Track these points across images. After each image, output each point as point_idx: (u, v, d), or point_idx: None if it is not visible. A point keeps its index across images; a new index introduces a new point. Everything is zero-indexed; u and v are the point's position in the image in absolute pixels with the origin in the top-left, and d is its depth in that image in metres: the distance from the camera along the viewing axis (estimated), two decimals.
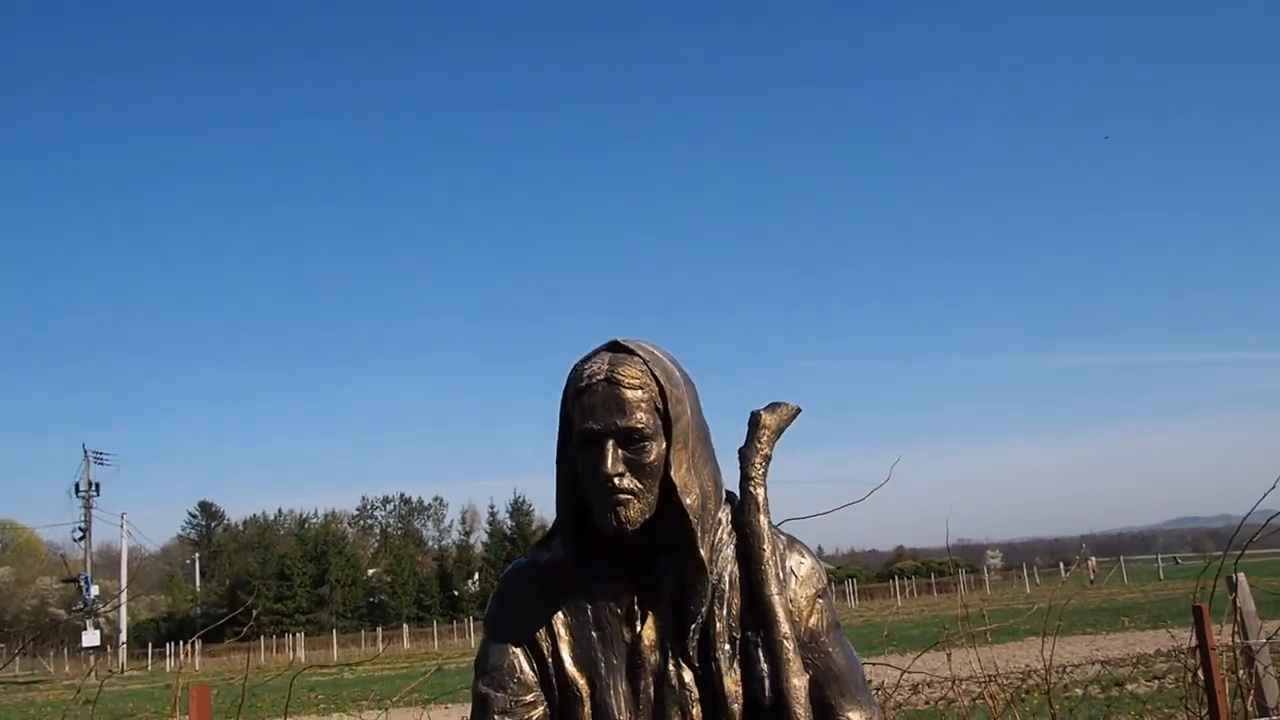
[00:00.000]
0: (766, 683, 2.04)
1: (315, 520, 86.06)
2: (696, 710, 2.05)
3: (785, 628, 2.06)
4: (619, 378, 2.02)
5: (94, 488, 63.03)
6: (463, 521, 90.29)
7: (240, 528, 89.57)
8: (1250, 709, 4.62)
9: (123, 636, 61.51)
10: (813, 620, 2.13)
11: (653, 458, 2.03)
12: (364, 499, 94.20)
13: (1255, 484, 4.75)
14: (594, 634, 2.11)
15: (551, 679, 2.11)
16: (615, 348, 2.08)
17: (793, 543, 2.19)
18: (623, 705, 2.07)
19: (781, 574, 2.12)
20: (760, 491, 2.15)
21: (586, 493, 2.06)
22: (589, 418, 2.02)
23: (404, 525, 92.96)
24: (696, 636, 2.08)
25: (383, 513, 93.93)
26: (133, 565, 66.39)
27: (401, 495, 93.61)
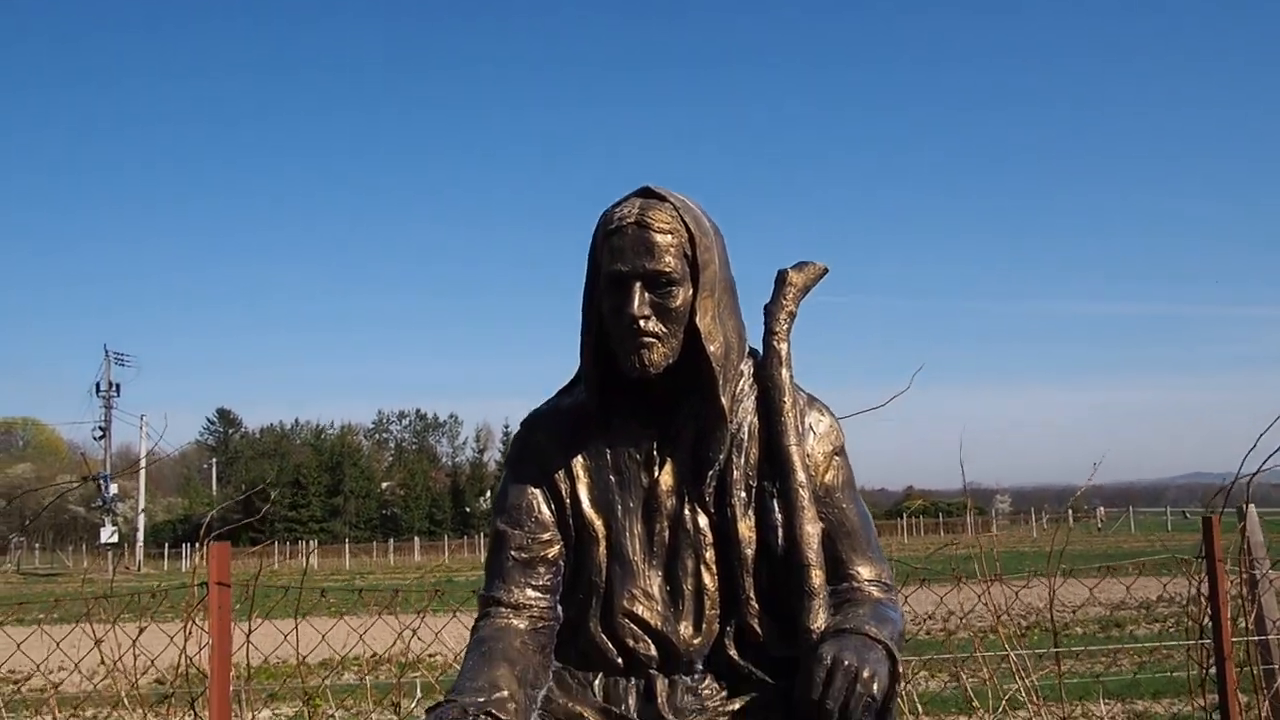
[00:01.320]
0: (780, 531, 2.09)
1: (331, 431, 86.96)
2: (710, 554, 2.10)
3: (801, 477, 2.10)
4: (649, 221, 2.03)
5: (114, 388, 63.75)
6: (477, 439, 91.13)
7: (257, 435, 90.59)
8: (1251, 627, 4.69)
9: (140, 535, 62.50)
10: (828, 476, 2.17)
11: (679, 303, 2.04)
12: (380, 413, 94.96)
13: (1268, 442, 4.74)
14: (612, 478, 2.15)
15: (569, 520, 2.15)
16: (646, 193, 2.09)
17: (813, 401, 2.22)
18: (638, 547, 2.11)
19: (800, 428, 2.15)
20: (784, 346, 2.17)
21: (611, 336, 2.07)
22: (617, 260, 2.03)
23: (419, 441, 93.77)
24: (713, 483, 2.12)
25: (398, 427, 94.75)
26: (151, 468, 67.27)
27: (417, 411, 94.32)
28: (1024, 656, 4.75)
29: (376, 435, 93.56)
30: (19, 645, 4.16)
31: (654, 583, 2.09)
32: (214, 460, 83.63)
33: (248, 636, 4.16)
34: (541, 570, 2.13)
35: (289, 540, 66.87)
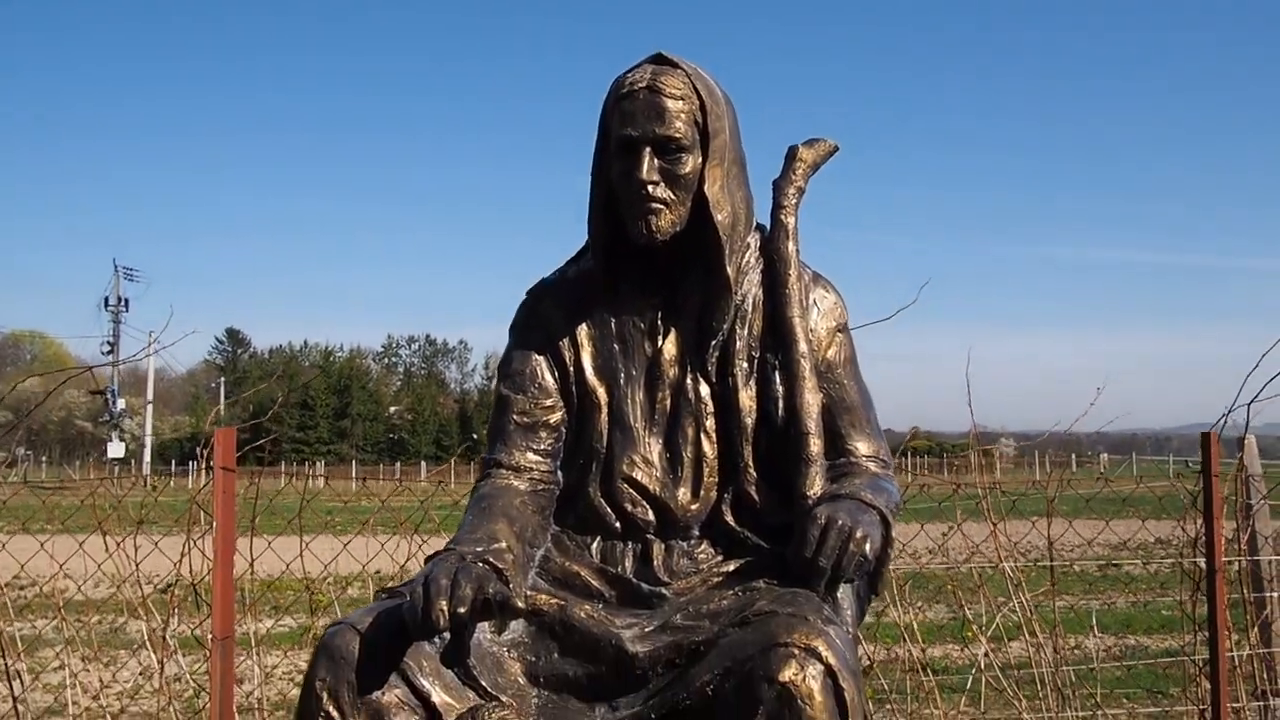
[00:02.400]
0: (780, 402, 2.11)
1: (340, 354, 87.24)
2: (710, 422, 2.12)
3: (803, 347, 2.11)
4: (661, 86, 2.02)
5: (123, 303, 63.94)
6: (486, 366, 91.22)
7: (266, 356, 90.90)
8: (1243, 548, 4.74)
9: (147, 452, 63.08)
10: (830, 352, 2.19)
11: (688, 170, 2.05)
12: (389, 337, 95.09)
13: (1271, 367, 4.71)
14: (616, 346, 2.17)
15: (572, 387, 2.18)
16: (659, 59, 2.08)
17: (818, 277, 2.23)
18: (639, 414, 2.14)
19: (805, 302, 2.16)
20: (791, 220, 2.18)
21: (620, 201, 2.08)
22: (628, 124, 2.03)
23: (428, 366, 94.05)
24: (716, 353, 2.13)
25: (407, 352, 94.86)
26: (159, 385, 67.72)
27: (427, 336, 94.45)
28: (1020, 578, 4.78)
29: (385, 359, 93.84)
30: (37, 536, 4.20)
31: (654, 450, 2.12)
32: (222, 379, 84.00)
33: (253, 522, 4.21)
34: (543, 435, 2.16)
35: (296, 461, 67.35)
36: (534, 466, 2.15)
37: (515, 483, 2.12)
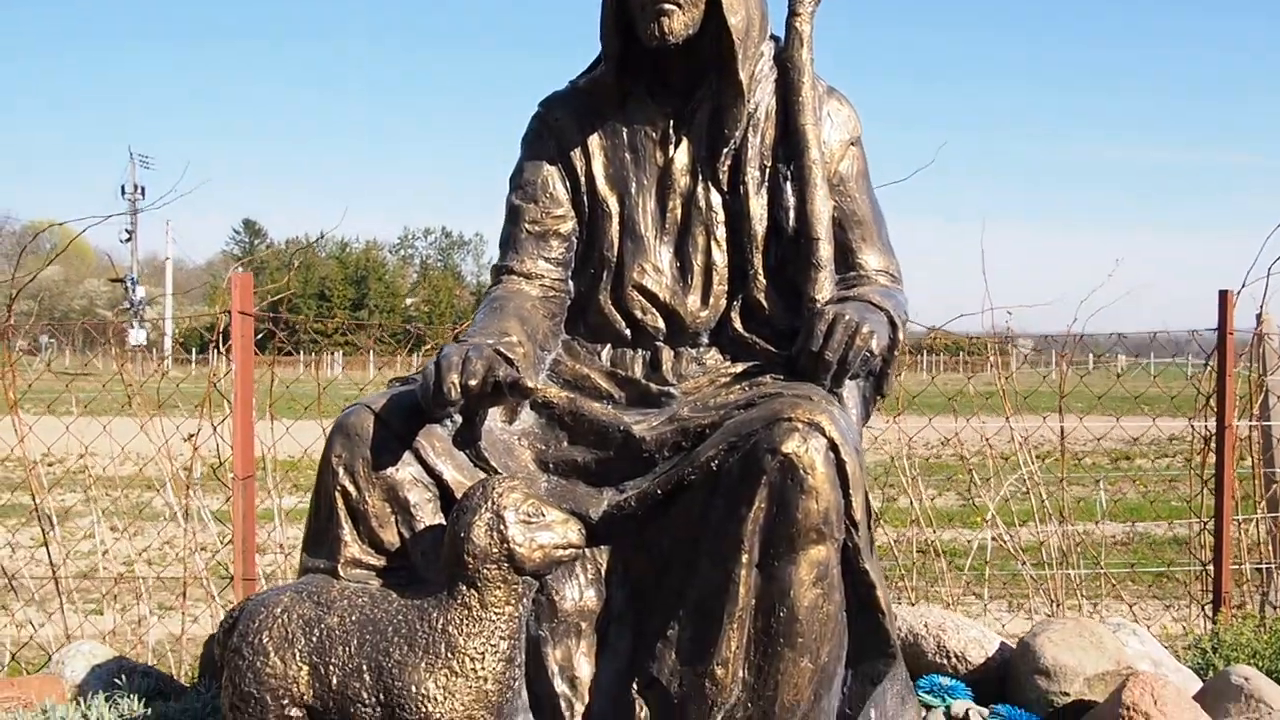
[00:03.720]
0: (791, 211, 2.11)
1: (357, 245, 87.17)
2: (721, 231, 2.13)
3: (815, 154, 2.10)
4: None
5: (139, 191, 63.66)
6: None
7: (283, 246, 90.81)
8: (1256, 412, 4.73)
9: (168, 340, 63.43)
10: (843, 165, 2.18)
11: None
12: (405, 229, 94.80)
13: None
14: (627, 155, 2.17)
15: (583, 197, 2.18)
16: None
17: (832, 90, 2.21)
18: (650, 223, 2.15)
19: (819, 112, 2.14)
20: (806, 28, 2.15)
21: (632, 4, 2.05)
22: None
23: (444, 259, 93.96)
24: (728, 161, 2.13)
25: (423, 244, 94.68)
26: (177, 275, 67.91)
27: (443, 229, 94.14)
28: (1027, 447, 4.78)
29: (401, 251, 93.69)
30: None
31: (664, 258, 2.14)
32: (240, 269, 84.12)
33: (272, 371, 4.25)
34: (554, 244, 2.18)
35: (313, 351, 67.66)
36: (545, 274, 2.17)
37: (527, 288, 2.15)
